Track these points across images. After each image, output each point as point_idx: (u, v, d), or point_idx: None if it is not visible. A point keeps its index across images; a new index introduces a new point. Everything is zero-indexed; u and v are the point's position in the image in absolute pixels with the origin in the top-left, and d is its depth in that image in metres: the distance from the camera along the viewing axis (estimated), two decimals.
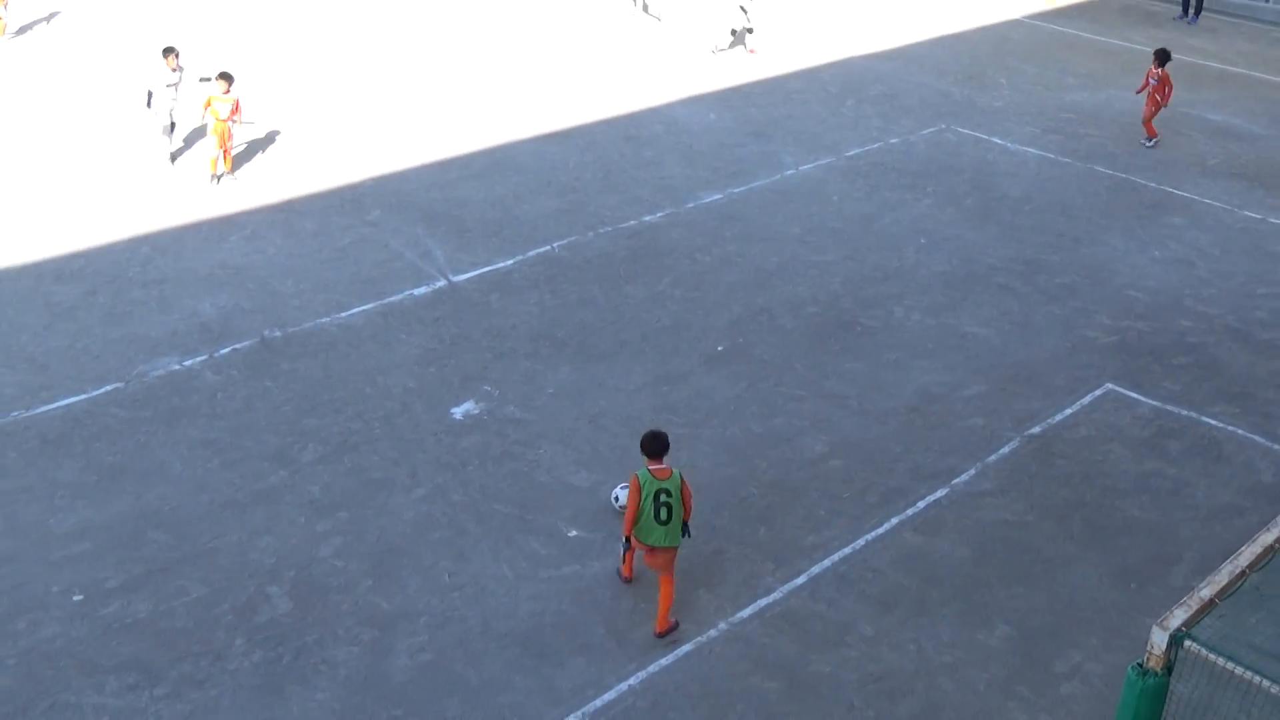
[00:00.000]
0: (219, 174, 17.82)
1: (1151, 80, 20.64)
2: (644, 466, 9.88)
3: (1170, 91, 20.72)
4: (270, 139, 19.40)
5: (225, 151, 17.78)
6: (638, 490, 9.72)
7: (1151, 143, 20.75)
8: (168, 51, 17.97)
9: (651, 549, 9.86)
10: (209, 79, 18.00)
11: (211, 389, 13.09)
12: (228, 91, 17.46)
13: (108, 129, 19.35)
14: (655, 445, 9.90)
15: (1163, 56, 20.63)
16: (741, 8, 24.66)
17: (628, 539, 10.06)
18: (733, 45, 25.24)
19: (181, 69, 17.93)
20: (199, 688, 9.41)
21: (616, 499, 11.18)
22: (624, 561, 10.55)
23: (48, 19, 24.57)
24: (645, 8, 27.49)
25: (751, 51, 24.45)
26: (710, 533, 11.21)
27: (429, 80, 22.25)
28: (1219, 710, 8.38)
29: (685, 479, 9.99)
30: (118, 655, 9.68)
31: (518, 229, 16.81)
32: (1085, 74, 23.82)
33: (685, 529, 10.02)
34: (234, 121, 17.65)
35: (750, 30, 24.98)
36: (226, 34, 24.19)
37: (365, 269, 15.60)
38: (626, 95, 21.89)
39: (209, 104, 17.47)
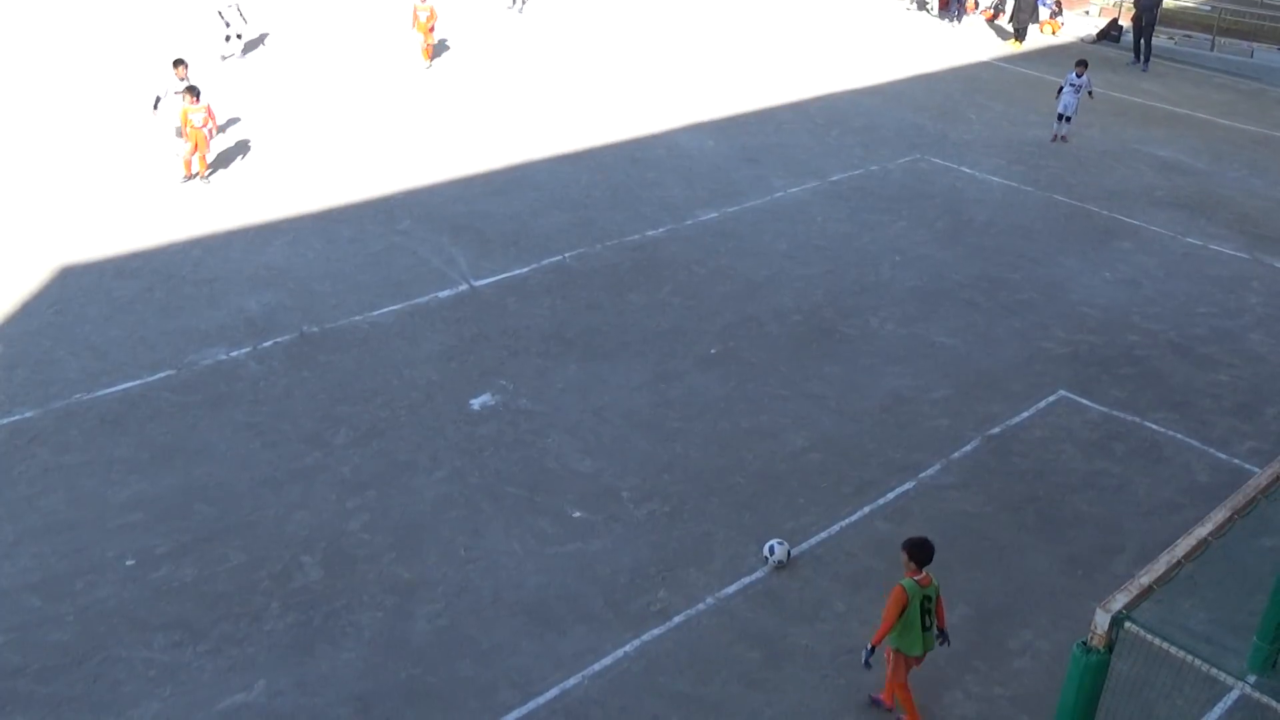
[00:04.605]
0: (194, 174, 17.89)
1: None
2: (906, 576, 8.57)
3: None
4: (315, 153, 19.38)
5: (201, 157, 17.89)
6: (903, 601, 8.47)
7: None
8: (178, 63, 18.29)
9: (912, 656, 8.75)
10: (160, 98, 18.29)
11: (255, 378, 13.09)
12: (196, 102, 17.65)
13: (164, 135, 19.35)
14: (923, 555, 8.56)
15: None
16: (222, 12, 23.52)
17: (873, 649, 8.63)
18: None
19: (187, 79, 18.07)
20: (238, 645, 9.41)
21: (772, 551, 10.46)
22: (887, 690, 9.03)
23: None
24: (520, 8, 28.89)
25: None
26: (701, 516, 11.21)
27: (456, 104, 22.22)
28: (1155, 685, 8.39)
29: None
30: (165, 615, 9.68)
31: (533, 240, 16.79)
32: (1047, 112, 23.75)
33: (943, 635, 8.89)
34: (208, 128, 17.82)
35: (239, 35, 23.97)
36: (271, 59, 24.20)
37: (395, 273, 15.59)
38: (633, 122, 21.86)
39: (185, 117, 17.62)
